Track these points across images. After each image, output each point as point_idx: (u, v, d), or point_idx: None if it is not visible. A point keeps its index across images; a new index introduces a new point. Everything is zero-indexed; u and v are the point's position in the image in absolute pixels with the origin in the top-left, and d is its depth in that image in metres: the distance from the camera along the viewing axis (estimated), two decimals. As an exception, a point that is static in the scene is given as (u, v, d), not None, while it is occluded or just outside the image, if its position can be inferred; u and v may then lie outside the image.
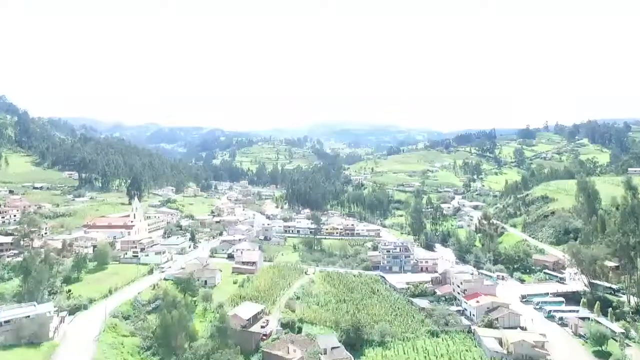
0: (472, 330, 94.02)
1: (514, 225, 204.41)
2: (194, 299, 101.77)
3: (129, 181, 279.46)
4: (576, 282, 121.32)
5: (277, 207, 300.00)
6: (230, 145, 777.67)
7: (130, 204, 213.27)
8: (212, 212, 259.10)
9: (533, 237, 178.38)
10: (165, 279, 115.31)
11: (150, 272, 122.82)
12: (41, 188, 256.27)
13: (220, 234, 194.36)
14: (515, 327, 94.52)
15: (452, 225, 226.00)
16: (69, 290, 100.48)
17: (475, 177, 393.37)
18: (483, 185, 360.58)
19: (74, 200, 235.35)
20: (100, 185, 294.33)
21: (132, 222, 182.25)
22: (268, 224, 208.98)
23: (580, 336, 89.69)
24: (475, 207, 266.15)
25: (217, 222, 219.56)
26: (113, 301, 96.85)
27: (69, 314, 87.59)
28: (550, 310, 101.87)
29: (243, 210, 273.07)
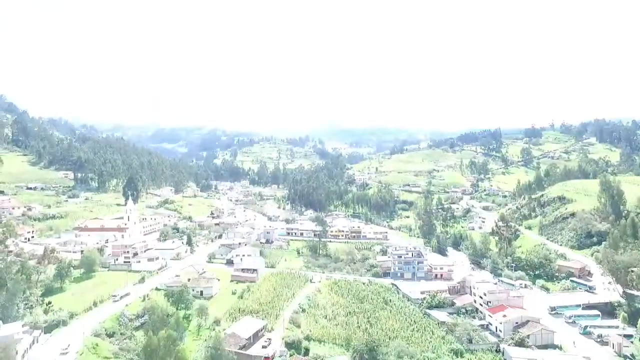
0: (501, 350, 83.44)
1: (529, 228, 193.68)
2: (188, 312, 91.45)
3: (126, 181, 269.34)
4: (609, 291, 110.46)
5: (279, 207, 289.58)
6: (231, 145, 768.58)
7: (126, 204, 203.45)
8: (212, 213, 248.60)
9: (552, 241, 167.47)
10: (157, 289, 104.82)
11: (142, 280, 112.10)
12: (35, 188, 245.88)
13: (220, 236, 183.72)
14: (549, 346, 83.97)
15: (462, 228, 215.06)
16: (49, 303, 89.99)
17: (482, 176, 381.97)
18: (491, 185, 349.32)
19: (67, 201, 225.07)
20: (97, 185, 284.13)
21: (126, 224, 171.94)
22: (270, 226, 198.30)
23: (625, 357, 79.03)
24: (486, 208, 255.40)
25: (216, 224, 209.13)
26: (97, 315, 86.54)
27: (45, 332, 77.11)
28: (587, 326, 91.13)
29: (244, 211, 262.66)
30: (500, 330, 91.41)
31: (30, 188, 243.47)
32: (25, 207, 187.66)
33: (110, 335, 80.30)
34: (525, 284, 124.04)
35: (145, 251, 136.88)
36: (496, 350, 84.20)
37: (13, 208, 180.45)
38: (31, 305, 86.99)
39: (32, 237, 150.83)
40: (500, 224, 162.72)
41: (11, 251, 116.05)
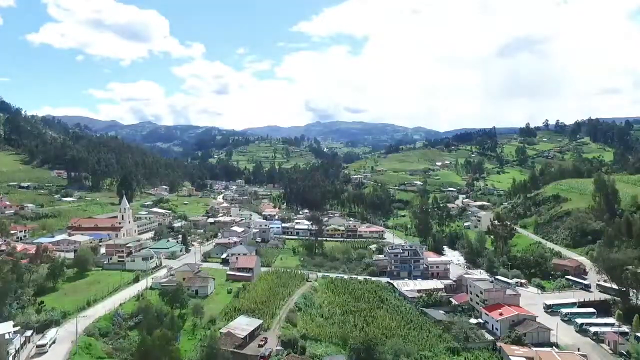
0: (498, 348, 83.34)
1: (525, 226, 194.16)
2: (183, 311, 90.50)
3: (120, 180, 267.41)
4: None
5: (274, 207, 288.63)
6: (226, 144, 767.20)
7: (121, 203, 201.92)
8: (207, 212, 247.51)
9: (547, 239, 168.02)
10: (151, 288, 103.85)
11: (136, 279, 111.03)
12: (27, 187, 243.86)
13: (215, 235, 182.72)
14: (545, 344, 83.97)
15: (458, 226, 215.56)
16: (41, 303, 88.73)
17: (478, 176, 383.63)
18: (487, 185, 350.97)
19: (60, 200, 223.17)
20: (90, 184, 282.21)
21: (120, 223, 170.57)
22: (265, 225, 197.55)
23: (621, 355, 79.19)
24: (481, 207, 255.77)
25: (211, 223, 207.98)
26: (90, 315, 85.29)
27: (37, 332, 75.94)
28: (582, 324, 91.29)
29: (239, 210, 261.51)
30: (497, 329, 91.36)
31: (23, 187, 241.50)
32: (17, 206, 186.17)
33: (104, 335, 79.13)
34: (521, 282, 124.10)
35: (139, 250, 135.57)
36: (493, 349, 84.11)
37: (5, 207, 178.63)
38: (23, 305, 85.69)
39: (25, 236, 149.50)
40: (496, 222, 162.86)
41: (3, 250, 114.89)
